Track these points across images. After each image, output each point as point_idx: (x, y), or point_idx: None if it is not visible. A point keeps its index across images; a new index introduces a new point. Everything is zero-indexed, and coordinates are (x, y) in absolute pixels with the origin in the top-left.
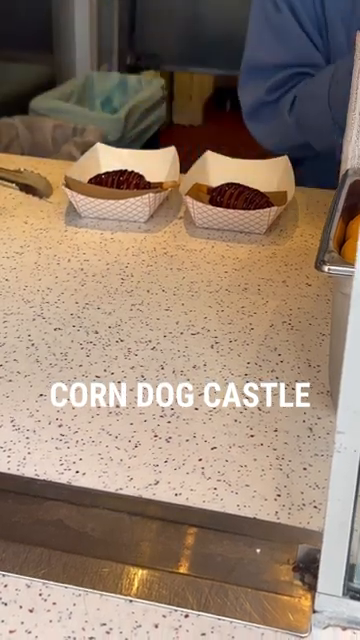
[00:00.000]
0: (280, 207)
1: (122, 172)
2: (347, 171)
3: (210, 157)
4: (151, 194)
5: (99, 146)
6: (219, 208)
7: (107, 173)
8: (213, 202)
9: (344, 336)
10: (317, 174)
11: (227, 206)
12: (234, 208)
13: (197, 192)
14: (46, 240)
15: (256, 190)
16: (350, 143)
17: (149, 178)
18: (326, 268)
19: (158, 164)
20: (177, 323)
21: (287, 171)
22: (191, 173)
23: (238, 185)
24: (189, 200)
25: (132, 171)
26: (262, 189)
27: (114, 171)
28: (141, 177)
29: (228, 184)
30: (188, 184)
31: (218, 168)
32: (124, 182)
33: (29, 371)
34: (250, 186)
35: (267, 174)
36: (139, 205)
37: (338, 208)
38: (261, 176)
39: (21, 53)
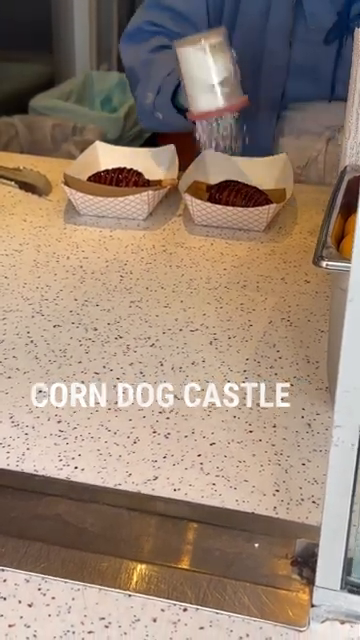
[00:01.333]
0: (279, 204)
1: (121, 170)
2: (345, 167)
3: (209, 155)
4: (150, 192)
5: (98, 144)
6: (218, 205)
7: (106, 171)
8: (212, 200)
9: (342, 332)
10: None
11: (226, 203)
12: (233, 205)
13: (196, 190)
14: (45, 238)
15: (255, 187)
16: (348, 140)
17: (148, 176)
18: (324, 264)
19: (157, 162)
20: (176, 320)
21: (286, 168)
22: (190, 171)
23: (237, 183)
24: (188, 198)
25: (131, 169)
26: (261, 186)
27: (113, 169)
28: (140, 175)
29: (227, 182)
30: (187, 182)
31: (217, 166)
32: (123, 180)
33: (28, 368)
34: (249, 184)
35: (265, 171)
36: (138, 203)
37: (336, 204)
38: (260, 173)
39: (21, 52)
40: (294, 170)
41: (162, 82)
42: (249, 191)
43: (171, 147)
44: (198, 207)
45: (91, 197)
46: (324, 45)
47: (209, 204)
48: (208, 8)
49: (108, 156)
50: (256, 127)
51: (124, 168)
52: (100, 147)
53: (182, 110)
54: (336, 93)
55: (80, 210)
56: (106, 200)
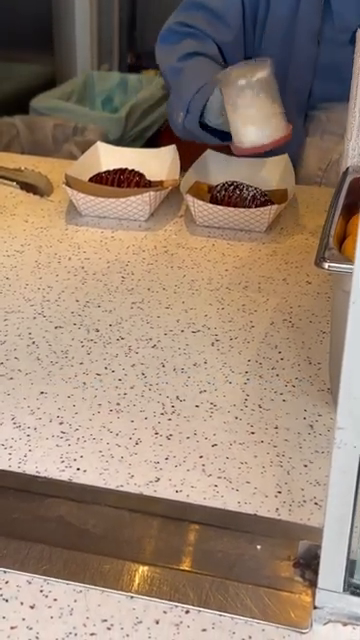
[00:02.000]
0: (280, 205)
1: (122, 171)
2: (347, 169)
3: (210, 156)
4: (151, 192)
5: (99, 145)
6: (219, 206)
7: (107, 171)
8: (213, 200)
9: (344, 333)
10: None
11: (227, 204)
12: (234, 206)
13: (197, 190)
14: (47, 238)
15: (256, 188)
16: (350, 141)
17: (149, 176)
18: (326, 265)
19: (158, 162)
20: (178, 321)
21: (287, 169)
22: (191, 172)
23: (238, 183)
24: (190, 198)
25: (132, 169)
26: (262, 187)
27: (114, 170)
28: (141, 175)
29: (228, 182)
30: (188, 182)
31: (218, 167)
32: (124, 180)
33: (30, 369)
34: (250, 184)
35: (267, 172)
36: (139, 203)
37: (338, 206)
38: (261, 174)
39: (22, 52)
40: (315, 173)
41: (191, 100)
42: (250, 192)
43: (172, 148)
44: (200, 208)
45: (92, 198)
46: (350, 45)
47: (210, 205)
48: (244, 8)
49: (109, 157)
50: None
51: (125, 169)
52: (101, 147)
53: (212, 128)
54: None
55: (81, 211)
56: (107, 201)
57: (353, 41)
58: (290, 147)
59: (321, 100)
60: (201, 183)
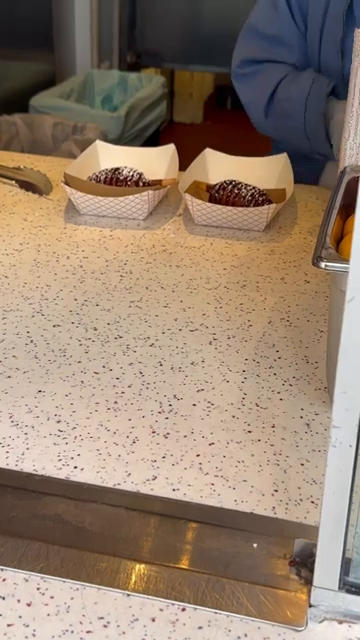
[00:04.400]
0: (279, 204)
1: (121, 170)
2: (345, 168)
3: (209, 155)
4: (150, 191)
5: (99, 143)
6: (218, 205)
7: (106, 170)
8: (212, 199)
9: (341, 332)
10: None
11: (226, 203)
12: (233, 205)
13: (196, 189)
14: (45, 237)
15: (255, 187)
16: (347, 141)
17: (148, 175)
18: (323, 264)
19: (157, 161)
20: (176, 320)
21: (286, 168)
22: (190, 170)
23: (237, 182)
24: (188, 197)
25: (131, 168)
26: (261, 186)
27: (113, 168)
28: (140, 174)
29: (227, 181)
30: (187, 181)
31: (217, 165)
32: (123, 180)
33: (28, 367)
34: (249, 183)
35: (266, 171)
36: (138, 202)
37: (335, 205)
38: (260, 173)
39: (22, 51)
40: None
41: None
42: (249, 191)
43: (171, 147)
44: (198, 207)
45: (91, 197)
46: None
47: (209, 204)
48: (297, 26)
49: (108, 155)
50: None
51: (124, 167)
52: (100, 146)
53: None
54: None
55: (80, 210)
56: (106, 200)
57: None
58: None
59: None
60: (200, 182)
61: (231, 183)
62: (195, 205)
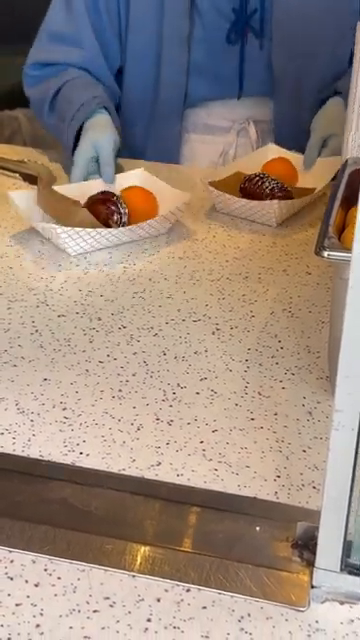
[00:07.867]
0: (285, 201)
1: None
2: (347, 160)
3: (271, 150)
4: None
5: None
6: (228, 195)
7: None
8: (242, 190)
9: (343, 321)
10: None
11: (247, 195)
12: (252, 197)
13: (236, 179)
14: None
15: (279, 182)
16: (350, 133)
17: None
18: (326, 253)
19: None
20: (179, 310)
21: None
22: (242, 161)
23: (264, 176)
24: (210, 187)
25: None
26: (312, 185)
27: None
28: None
29: (257, 174)
30: (231, 170)
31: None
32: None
33: (33, 356)
34: (275, 178)
35: (320, 172)
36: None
37: (337, 197)
38: (314, 173)
39: (23, 46)
40: (209, 165)
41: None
42: (271, 184)
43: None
44: (216, 195)
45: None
46: (227, 44)
47: (220, 193)
48: (92, 24)
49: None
50: (162, 126)
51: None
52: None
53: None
54: (245, 89)
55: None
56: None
57: (230, 40)
58: (169, 143)
59: (198, 99)
60: (241, 172)
61: (258, 176)
62: (215, 195)
